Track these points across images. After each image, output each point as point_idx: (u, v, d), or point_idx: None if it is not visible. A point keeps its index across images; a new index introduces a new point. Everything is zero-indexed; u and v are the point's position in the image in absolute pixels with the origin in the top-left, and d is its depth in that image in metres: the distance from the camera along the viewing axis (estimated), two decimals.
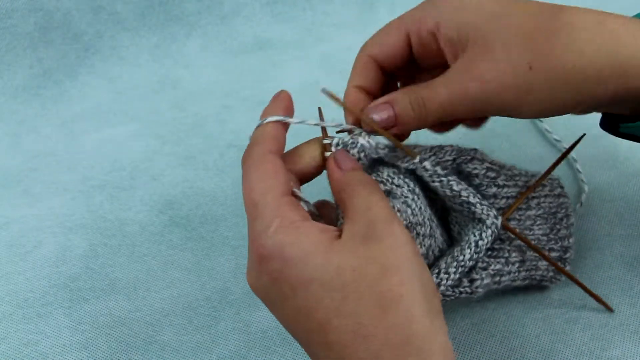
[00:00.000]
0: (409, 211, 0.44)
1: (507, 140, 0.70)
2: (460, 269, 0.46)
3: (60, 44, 0.80)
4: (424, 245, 0.46)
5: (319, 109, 0.48)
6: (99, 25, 0.82)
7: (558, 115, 0.45)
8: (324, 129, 0.46)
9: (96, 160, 0.72)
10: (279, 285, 0.39)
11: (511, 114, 0.44)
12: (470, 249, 0.47)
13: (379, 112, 0.46)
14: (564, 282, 0.54)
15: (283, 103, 0.45)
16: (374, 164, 0.47)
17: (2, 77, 0.78)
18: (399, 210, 0.44)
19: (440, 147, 0.48)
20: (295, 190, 0.43)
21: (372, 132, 0.46)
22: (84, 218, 0.66)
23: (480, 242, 0.47)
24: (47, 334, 0.56)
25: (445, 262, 0.47)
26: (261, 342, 0.54)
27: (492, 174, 0.50)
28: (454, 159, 0.48)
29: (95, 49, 0.82)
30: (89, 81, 0.81)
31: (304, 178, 0.46)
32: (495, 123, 0.72)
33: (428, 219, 0.46)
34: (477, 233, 0.47)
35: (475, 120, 0.49)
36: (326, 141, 0.45)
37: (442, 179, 0.46)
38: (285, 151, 0.45)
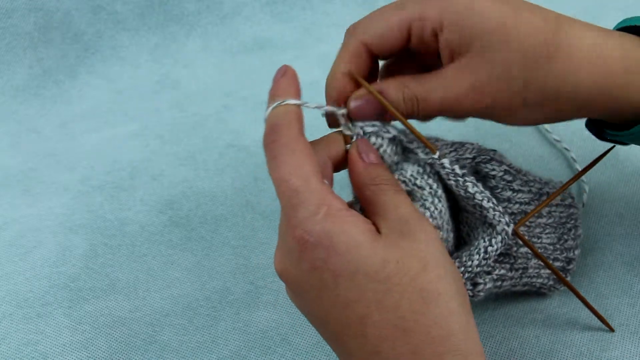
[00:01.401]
0: (428, 214, 0.43)
1: (507, 140, 0.70)
2: (467, 274, 0.46)
3: (60, 44, 0.80)
4: None
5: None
6: (98, 25, 0.82)
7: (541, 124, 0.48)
8: (346, 119, 0.45)
9: (96, 160, 0.72)
10: (319, 273, 0.38)
11: (498, 121, 0.46)
12: (479, 255, 0.46)
13: (368, 101, 0.44)
14: None
15: (295, 81, 0.43)
16: (397, 159, 0.46)
17: (2, 77, 0.78)
18: None
19: (461, 144, 0.47)
20: (325, 181, 0.41)
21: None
22: (84, 218, 0.66)
23: (489, 249, 0.46)
24: (47, 334, 0.56)
25: None
26: (261, 342, 0.54)
27: (509, 178, 0.49)
28: (474, 158, 0.47)
29: (95, 49, 0.82)
30: (89, 81, 0.81)
31: (336, 168, 0.44)
32: (495, 123, 0.72)
33: (446, 223, 0.45)
34: (487, 238, 0.47)
35: None
36: (347, 132, 0.44)
37: (459, 178, 0.45)
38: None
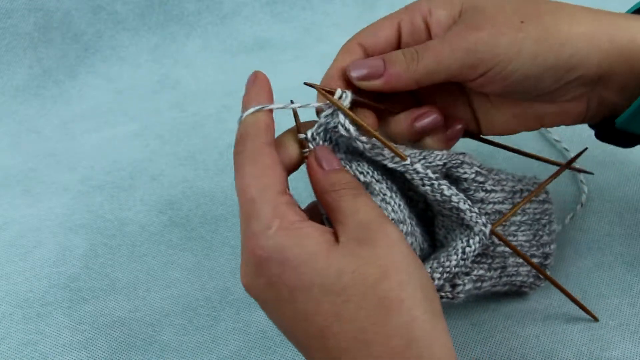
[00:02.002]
0: (389, 208, 0.43)
1: (506, 140, 0.70)
2: (445, 275, 0.46)
3: (60, 44, 0.80)
4: None
5: (293, 102, 0.46)
6: (98, 25, 0.82)
7: (542, 88, 0.45)
8: (297, 123, 0.45)
9: (96, 160, 0.72)
10: (276, 289, 0.38)
11: (500, 75, 0.44)
12: (457, 255, 0.46)
13: (368, 61, 0.44)
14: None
15: (265, 88, 0.44)
16: (353, 151, 0.45)
17: (2, 77, 0.78)
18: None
19: (430, 152, 0.47)
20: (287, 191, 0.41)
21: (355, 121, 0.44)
22: (84, 218, 0.66)
23: (467, 249, 0.46)
24: (47, 334, 0.56)
25: (431, 267, 0.46)
26: (261, 342, 0.54)
27: (481, 179, 0.49)
28: (444, 164, 0.47)
29: (95, 49, 0.82)
30: (89, 81, 0.81)
31: (288, 171, 0.44)
32: None
33: (408, 217, 0.45)
34: (464, 239, 0.47)
35: (446, 135, 0.49)
36: (302, 136, 0.44)
37: (433, 182, 0.45)
38: None
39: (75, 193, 0.69)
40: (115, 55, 0.83)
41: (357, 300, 0.37)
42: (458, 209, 0.46)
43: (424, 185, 0.45)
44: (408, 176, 0.45)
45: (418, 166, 0.44)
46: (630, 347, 0.51)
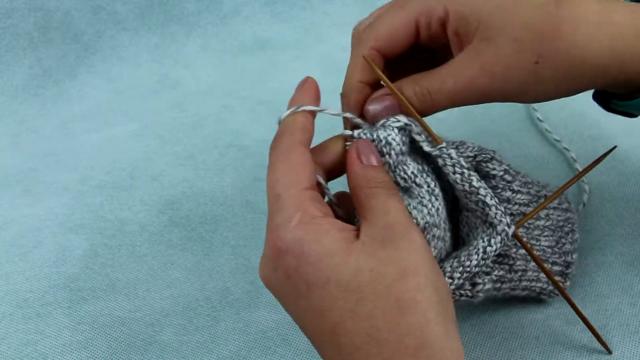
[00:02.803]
0: (425, 211, 0.43)
1: (507, 140, 0.70)
2: (465, 275, 0.45)
3: (59, 44, 0.80)
4: (436, 248, 0.45)
5: (342, 95, 0.47)
6: (98, 25, 0.82)
7: (555, 99, 0.46)
8: (345, 120, 0.45)
9: (96, 160, 0.72)
10: (293, 281, 0.39)
11: (512, 101, 0.46)
12: (478, 255, 0.46)
13: (382, 102, 0.45)
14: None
15: (311, 91, 0.44)
16: (405, 149, 0.45)
17: (2, 77, 0.78)
18: (414, 208, 0.43)
19: (462, 143, 0.47)
20: (318, 177, 0.42)
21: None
22: (84, 218, 0.66)
23: (488, 249, 0.46)
24: (47, 334, 0.56)
25: (451, 266, 0.46)
26: (261, 342, 0.54)
27: (509, 178, 0.49)
28: (475, 156, 0.47)
29: (95, 48, 0.82)
30: (88, 81, 0.81)
31: (331, 174, 0.45)
32: (494, 123, 0.72)
33: (443, 222, 0.45)
34: (486, 239, 0.46)
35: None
36: (347, 133, 0.44)
37: (464, 171, 0.44)
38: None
39: (75, 193, 0.69)
40: (115, 55, 0.83)
41: (373, 299, 0.37)
42: (484, 202, 0.45)
43: (454, 172, 0.45)
44: (441, 161, 0.45)
45: (453, 152, 0.44)
46: (630, 347, 0.51)
